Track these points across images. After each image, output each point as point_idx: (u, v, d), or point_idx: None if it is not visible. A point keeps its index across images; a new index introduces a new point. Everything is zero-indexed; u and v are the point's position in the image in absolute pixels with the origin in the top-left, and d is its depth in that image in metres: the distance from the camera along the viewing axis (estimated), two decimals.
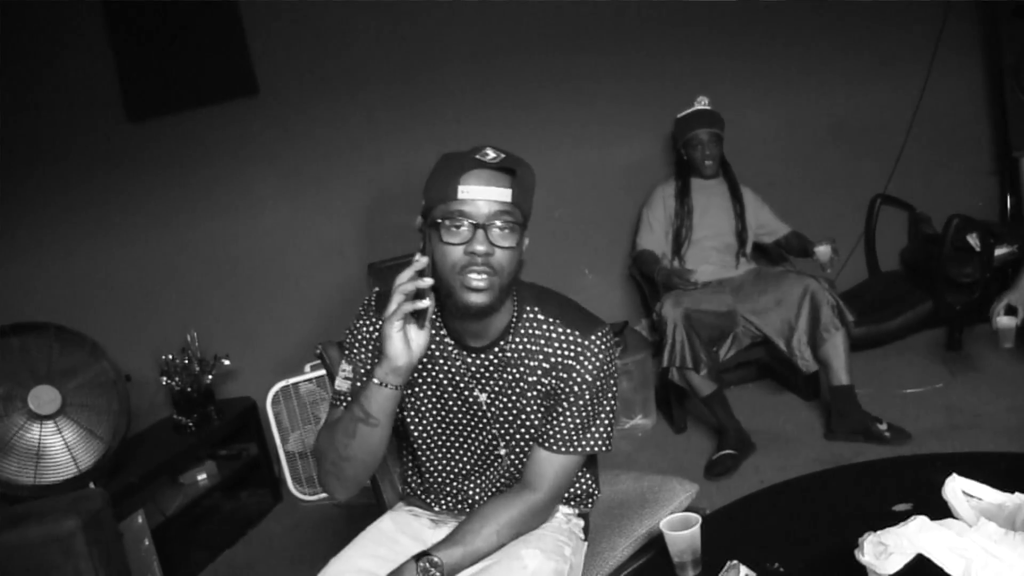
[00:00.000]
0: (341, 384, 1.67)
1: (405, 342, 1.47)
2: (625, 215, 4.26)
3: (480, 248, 1.47)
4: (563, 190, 4.28)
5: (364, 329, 1.68)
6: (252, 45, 4.00)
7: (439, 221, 1.49)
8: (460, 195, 1.48)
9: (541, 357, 1.62)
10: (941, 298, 4.01)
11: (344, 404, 1.65)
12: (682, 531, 1.56)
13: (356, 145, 4.18)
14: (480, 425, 1.68)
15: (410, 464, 1.83)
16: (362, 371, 1.65)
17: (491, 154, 1.50)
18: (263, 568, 3.30)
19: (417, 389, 1.67)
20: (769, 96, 4.44)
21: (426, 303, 1.44)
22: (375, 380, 1.49)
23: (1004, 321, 3.05)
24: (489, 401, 1.65)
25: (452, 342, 1.64)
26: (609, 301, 4.37)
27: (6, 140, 3.80)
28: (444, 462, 1.74)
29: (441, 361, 1.65)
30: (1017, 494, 1.33)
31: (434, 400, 1.68)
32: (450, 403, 1.67)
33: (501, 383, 1.63)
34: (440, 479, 1.76)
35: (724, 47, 4.35)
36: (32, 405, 2.87)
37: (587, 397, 1.61)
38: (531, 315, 1.64)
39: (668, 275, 3.59)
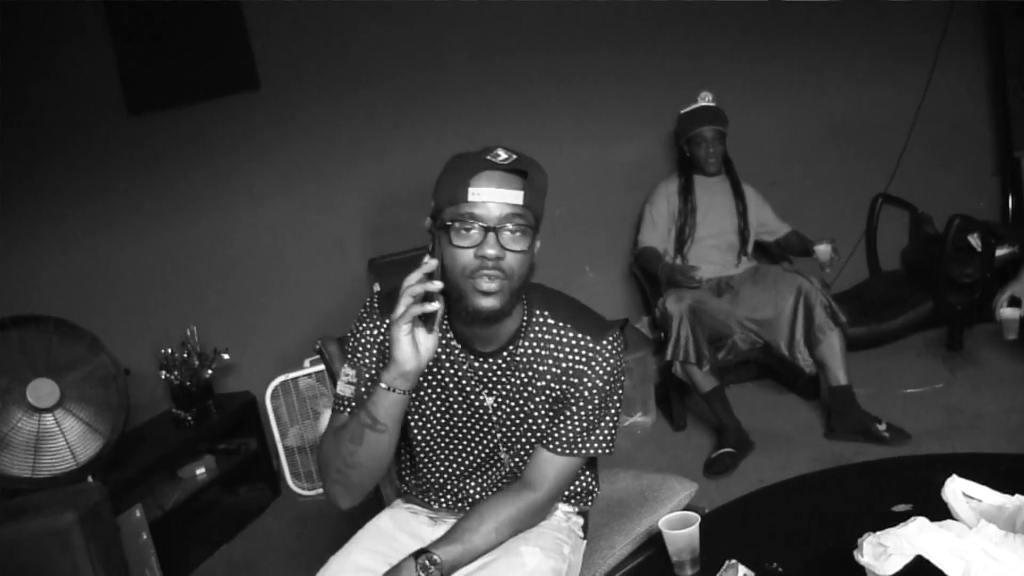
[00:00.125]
0: (344, 389, 1.63)
1: (413, 346, 1.44)
2: (626, 212, 4.26)
3: (491, 252, 1.44)
4: (564, 187, 4.26)
5: (367, 332, 1.64)
6: (253, 40, 4.00)
7: (449, 223, 1.46)
8: (470, 197, 1.45)
9: (551, 362, 1.60)
10: (942, 298, 4.01)
11: (348, 409, 1.62)
12: (681, 530, 1.55)
13: (357, 141, 4.18)
14: (485, 429, 1.66)
15: (407, 463, 1.82)
16: (367, 375, 1.62)
17: (502, 155, 1.46)
18: (261, 563, 3.30)
19: (422, 393, 1.66)
20: (771, 94, 4.43)
21: (436, 306, 1.41)
22: (382, 385, 1.47)
23: (1007, 313, 3.05)
24: (496, 405, 1.63)
25: (459, 346, 1.61)
26: (610, 298, 4.37)
27: (6, 133, 3.80)
28: (444, 463, 1.73)
29: (448, 365, 1.63)
30: (1017, 496, 1.32)
31: (439, 403, 1.66)
32: (455, 406, 1.66)
33: (508, 387, 1.62)
34: (438, 479, 1.75)
35: (726, 45, 4.34)
36: (31, 398, 2.86)
37: (596, 402, 1.61)
38: (541, 319, 1.62)
39: (672, 271, 3.58)
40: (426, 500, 1.79)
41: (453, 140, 4.13)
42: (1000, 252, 3.90)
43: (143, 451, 3.35)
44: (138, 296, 4.07)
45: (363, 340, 1.64)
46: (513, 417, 1.64)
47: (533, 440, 1.66)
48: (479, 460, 1.71)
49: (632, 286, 4.37)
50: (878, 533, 1.26)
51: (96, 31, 3.87)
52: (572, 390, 1.60)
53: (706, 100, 3.75)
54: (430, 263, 1.42)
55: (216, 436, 3.77)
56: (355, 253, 4.16)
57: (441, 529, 1.67)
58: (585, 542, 1.82)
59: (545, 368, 1.60)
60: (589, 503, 1.84)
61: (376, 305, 1.65)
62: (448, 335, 1.61)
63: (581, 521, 1.83)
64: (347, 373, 1.64)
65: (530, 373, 1.61)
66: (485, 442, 1.68)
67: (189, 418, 3.61)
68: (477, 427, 1.67)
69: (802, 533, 1.61)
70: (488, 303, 1.46)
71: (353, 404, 1.61)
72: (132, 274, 4.07)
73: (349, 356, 1.65)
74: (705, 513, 1.74)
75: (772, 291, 3.49)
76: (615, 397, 1.64)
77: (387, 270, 3.63)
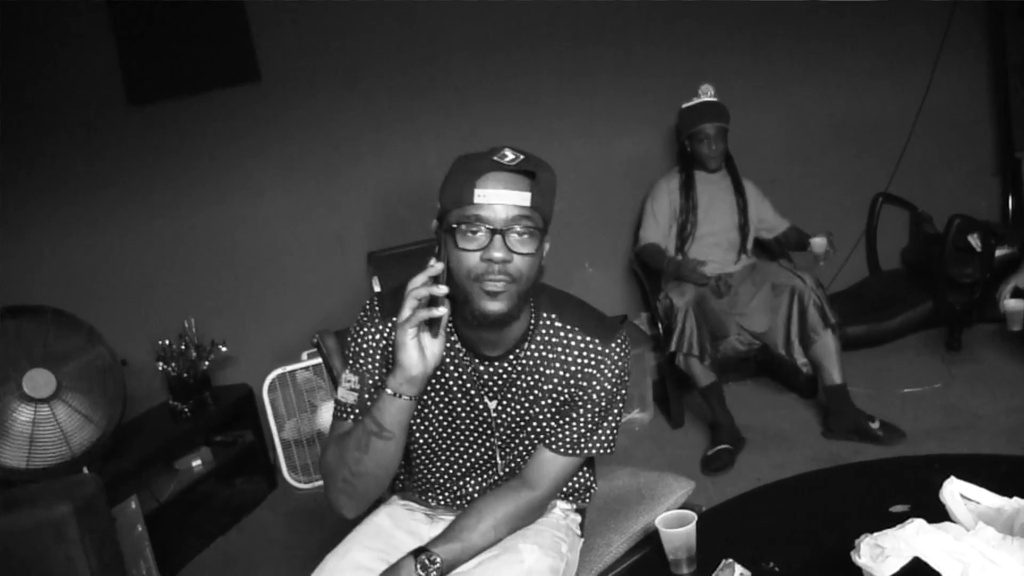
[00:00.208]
0: (346, 395, 1.59)
1: (420, 350, 1.40)
2: (625, 209, 4.25)
3: (497, 255, 1.40)
4: (563, 184, 4.15)
5: (369, 336, 1.59)
6: (255, 32, 3.99)
7: (454, 226, 1.42)
8: (476, 199, 1.41)
9: (558, 365, 1.58)
10: (941, 298, 4.01)
11: (351, 416, 1.58)
12: (677, 528, 1.55)
13: (357, 135, 4.17)
14: (487, 434, 1.65)
15: (402, 462, 1.81)
16: (370, 381, 1.58)
17: (509, 155, 1.43)
18: (257, 555, 3.30)
19: (425, 396, 1.62)
20: (772, 93, 4.43)
21: (443, 311, 1.37)
22: (388, 391, 1.43)
23: (1012, 304, 3.04)
24: (499, 410, 1.61)
25: (464, 349, 1.58)
26: (609, 294, 4.37)
27: (5, 122, 3.78)
28: (442, 465, 1.71)
29: (451, 368, 1.59)
30: (1016, 498, 1.32)
31: (441, 407, 1.63)
32: (459, 409, 1.63)
33: (514, 390, 1.60)
34: (437, 479, 1.73)
35: (727, 42, 4.33)
36: (27, 388, 2.85)
37: (603, 404, 1.60)
38: (548, 322, 1.59)
39: (679, 266, 3.58)
40: (423, 498, 1.78)
41: (453, 135, 4.14)
42: (1000, 252, 3.90)
43: (139, 443, 3.34)
44: (136, 287, 4.06)
45: (365, 345, 1.59)
46: (515, 422, 1.62)
47: (530, 445, 1.65)
48: (477, 462, 1.69)
49: (631, 282, 4.37)
50: (875, 534, 1.26)
51: (97, 21, 3.86)
52: (581, 393, 1.59)
53: (708, 95, 3.71)
54: (435, 266, 1.39)
55: (213, 428, 3.76)
56: (354, 246, 4.15)
57: (439, 526, 1.66)
58: (582, 540, 1.81)
59: (552, 372, 1.58)
60: (587, 500, 1.83)
61: (377, 307, 1.61)
62: (452, 338, 1.58)
63: (579, 519, 1.82)
64: (348, 379, 1.60)
65: (536, 376, 1.59)
66: (486, 446, 1.66)
67: (186, 410, 3.61)
68: (479, 431, 1.65)
69: (799, 533, 1.60)
70: (495, 307, 1.43)
71: (356, 411, 1.57)
72: (130, 265, 4.07)
73: (351, 362, 1.60)
74: (702, 512, 1.74)
75: (768, 289, 3.50)
76: (618, 398, 1.63)
77: (386, 264, 3.63)
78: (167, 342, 3.72)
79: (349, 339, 1.63)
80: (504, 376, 1.59)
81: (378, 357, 1.58)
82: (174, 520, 3.38)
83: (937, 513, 1.32)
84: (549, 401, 1.60)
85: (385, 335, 1.58)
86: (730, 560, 1.46)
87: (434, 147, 4.21)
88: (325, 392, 3.71)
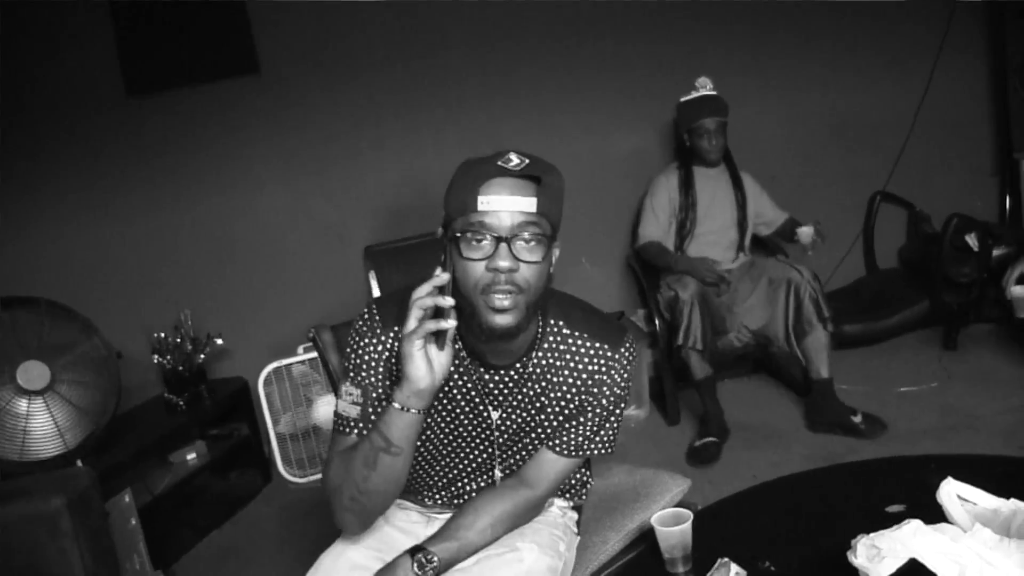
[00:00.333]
0: (348, 409, 1.52)
1: (427, 362, 1.35)
2: (623, 204, 4.25)
3: (503, 264, 1.35)
4: None
5: (370, 348, 1.53)
6: (254, 24, 3.99)
7: (459, 234, 1.38)
8: (480, 206, 1.36)
9: (567, 372, 1.56)
10: (938, 297, 4.01)
11: (353, 431, 1.52)
12: (674, 527, 1.54)
13: (356, 128, 4.16)
14: (488, 440, 1.62)
15: None
16: (374, 394, 1.52)
17: (514, 160, 1.37)
18: (251, 549, 3.30)
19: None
20: (771, 90, 4.42)
21: (452, 324, 1.32)
22: (396, 405, 1.38)
23: (1018, 290, 3.03)
24: (501, 419, 1.59)
25: (469, 358, 1.54)
26: (606, 291, 4.37)
27: (2, 113, 3.77)
28: (440, 468, 1.68)
29: (456, 377, 1.55)
30: (1013, 500, 1.32)
31: (444, 415, 1.59)
32: (461, 417, 1.60)
33: (517, 400, 1.57)
34: (432, 481, 1.71)
35: (726, 39, 4.32)
36: (20, 380, 2.84)
37: (610, 408, 1.59)
38: (556, 328, 1.56)
39: (691, 264, 3.58)
40: (418, 498, 1.76)
41: (451, 129, 4.13)
42: (997, 252, 3.90)
43: (134, 435, 3.33)
44: (132, 279, 4.06)
45: (366, 357, 1.53)
46: (518, 428, 1.60)
47: (532, 449, 1.63)
48: (476, 466, 1.67)
49: (628, 278, 4.36)
50: (872, 535, 1.25)
51: (96, 12, 3.85)
52: (590, 399, 1.57)
53: (706, 88, 3.69)
54: (441, 276, 1.34)
55: (208, 421, 3.76)
56: (352, 240, 4.14)
57: (435, 525, 1.65)
58: (579, 537, 1.81)
59: (560, 379, 1.56)
60: (583, 497, 1.83)
61: (377, 315, 1.55)
62: (457, 346, 1.52)
63: (576, 516, 1.82)
64: (350, 392, 1.53)
65: (543, 384, 1.56)
66: (487, 452, 1.64)
67: (181, 403, 3.60)
68: (480, 437, 1.63)
69: (795, 532, 1.60)
70: (502, 321, 1.39)
71: (360, 425, 1.51)
72: (126, 257, 4.06)
73: (352, 374, 1.54)
74: (698, 510, 1.73)
75: (766, 285, 3.52)
76: (623, 400, 1.62)
77: (384, 258, 3.61)
78: (163, 335, 3.70)
79: (348, 350, 1.56)
80: (509, 385, 1.56)
81: (381, 369, 1.53)
82: (168, 513, 3.37)
83: (934, 514, 1.31)
84: (557, 408, 1.58)
85: (387, 345, 1.53)
86: (726, 559, 1.46)
87: (432, 141, 4.20)
88: (321, 386, 3.70)
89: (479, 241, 1.37)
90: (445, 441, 1.63)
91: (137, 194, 4.03)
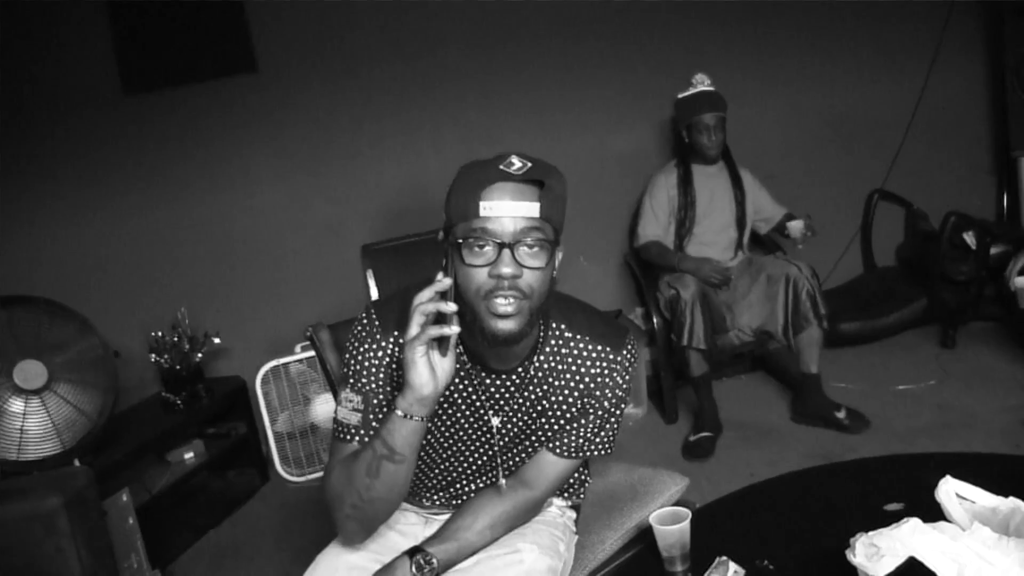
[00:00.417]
0: (349, 416, 1.50)
1: (430, 369, 1.33)
2: (620, 202, 4.25)
3: (506, 270, 1.32)
4: None
5: (370, 354, 1.50)
6: (252, 22, 3.98)
7: (461, 240, 1.35)
8: (482, 212, 1.33)
9: (568, 376, 1.55)
10: (936, 295, 4.01)
11: (354, 439, 1.49)
12: (672, 526, 1.54)
13: (353, 127, 4.15)
14: (488, 443, 1.61)
15: None
16: (375, 401, 1.50)
17: (516, 163, 1.34)
18: (249, 548, 3.29)
19: None
20: (769, 88, 4.42)
21: (455, 330, 1.30)
22: (398, 412, 1.36)
23: (1021, 281, 3.03)
24: (501, 424, 1.57)
25: (470, 363, 1.52)
26: (603, 289, 4.37)
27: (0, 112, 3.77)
28: (439, 471, 1.67)
29: (457, 382, 1.54)
30: (1011, 498, 1.31)
31: (445, 419, 1.58)
32: (462, 421, 1.59)
33: (518, 404, 1.56)
34: (431, 484, 1.70)
35: (724, 38, 4.32)
36: (17, 379, 2.83)
37: (611, 409, 1.58)
38: (558, 332, 1.54)
39: (697, 264, 3.58)
40: (416, 499, 1.75)
41: (449, 128, 4.13)
42: (994, 250, 3.91)
43: (131, 434, 3.32)
44: (129, 278, 4.05)
45: (367, 363, 1.50)
46: (519, 432, 1.59)
47: (532, 451, 1.62)
48: (475, 468, 1.67)
49: (626, 276, 4.36)
50: (870, 533, 1.25)
51: (93, 10, 3.84)
52: (592, 401, 1.56)
53: (704, 84, 3.67)
54: (443, 281, 1.31)
55: (205, 420, 3.76)
56: (349, 239, 4.12)
57: (433, 526, 1.65)
58: (577, 537, 1.80)
59: (562, 383, 1.55)
60: (581, 496, 1.82)
61: (376, 320, 1.53)
62: (458, 350, 1.50)
63: (574, 515, 1.82)
64: (350, 399, 1.50)
65: (545, 388, 1.55)
66: (487, 455, 1.63)
67: (179, 402, 3.59)
68: (480, 441, 1.62)
69: (794, 531, 1.60)
70: (505, 326, 1.36)
71: (360, 433, 1.49)
72: (124, 255, 4.05)
73: (352, 380, 1.52)
74: (696, 508, 1.73)
75: (764, 281, 3.52)
76: (624, 402, 1.62)
77: (381, 256, 3.61)
78: (160, 333, 3.70)
79: (347, 355, 1.54)
80: (512, 389, 1.55)
81: (382, 375, 1.51)
82: (166, 512, 3.37)
83: (931, 511, 1.32)
84: (559, 412, 1.57)
85: (388, 351, 1.51)
86: (724, 558, 1.46)
87: (430, 140, 4.20)
88: (318, 385, 3.69)
89: (481, 247, 1.34)
90: (445, 445, 1.62)
91: (134, 192, 4.02)
